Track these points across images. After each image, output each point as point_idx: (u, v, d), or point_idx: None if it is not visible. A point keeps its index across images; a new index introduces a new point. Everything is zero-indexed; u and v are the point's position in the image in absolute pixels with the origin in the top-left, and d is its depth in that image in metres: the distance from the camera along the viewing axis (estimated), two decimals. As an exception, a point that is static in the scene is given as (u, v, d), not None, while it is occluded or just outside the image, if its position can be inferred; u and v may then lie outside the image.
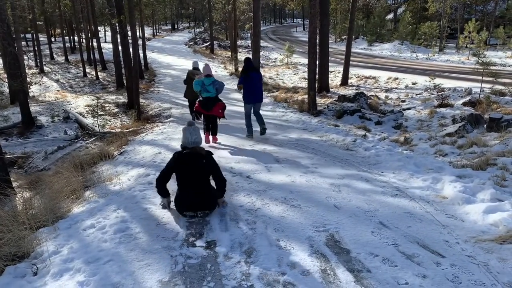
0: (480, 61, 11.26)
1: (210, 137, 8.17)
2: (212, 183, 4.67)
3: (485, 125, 8.40)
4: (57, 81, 27.80)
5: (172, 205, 4.65)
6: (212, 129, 8.12)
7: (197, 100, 8.21)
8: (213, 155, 4.71)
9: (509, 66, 21.65)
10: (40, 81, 25.47)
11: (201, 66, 10.71)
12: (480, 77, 11.51)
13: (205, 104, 7.94)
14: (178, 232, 4.06)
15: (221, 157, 6.84)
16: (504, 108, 10.16)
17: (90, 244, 3.87)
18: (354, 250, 3.58)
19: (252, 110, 8.52)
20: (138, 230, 4.12)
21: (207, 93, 7.95)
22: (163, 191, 4.62)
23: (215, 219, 4.34)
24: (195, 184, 4.46)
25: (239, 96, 11.86)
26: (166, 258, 3.56)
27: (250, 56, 21.71)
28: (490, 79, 11.46)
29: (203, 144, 6.28)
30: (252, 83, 8.35)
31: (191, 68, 11.27)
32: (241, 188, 5.31)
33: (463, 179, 5.29)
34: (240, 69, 23.71)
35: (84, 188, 5.75)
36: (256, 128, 8.67)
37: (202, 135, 6.41)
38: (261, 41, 24.22)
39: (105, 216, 4.52)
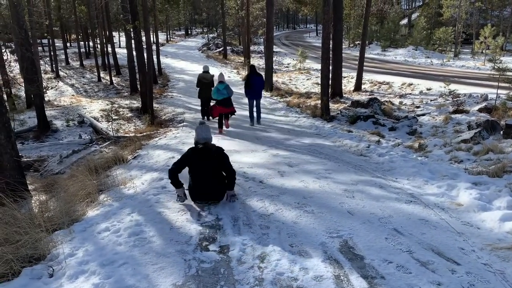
0: (496, 67, 11.13)
1: (224, 128, 10.18)
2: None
3: (501, 132, 8.28)
4: (72, 85, 28.23)
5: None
6: (225, 118, 10.28)
7: (215, 104, 10.20)
8: (224, 150, 5.14)
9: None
10: (56, 85, 25.90)
11: (212, 70, 11.45)
12: (496, 83, 11.37)
13: (224, 103, 9.99)
14: (192, 236, 4.08)
15: (234, 161, 6.80)
16: (521, 115, 10.01)
17: (105, 247, 3.91)
18: (368, 257, 3.56)
19: (254, 105, 10.88)
20: (152, 234, 4.15)
21: (222, 95, 9.96)
22: (176, 183, 4.96)
23: (228, 224, 4.36)
24: (205, 177, 4.89)
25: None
26: (180, 262, 3.58)
27: (263, 61, 21.89)
28: (507, 85, 11.31)
29: (217, 136, 9.19)
30: (253, 85, 10.72)
31: (201, 71, 11.96)
32: (254, 193, 5.31)
33: (478, 186, 5.22)
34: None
35: (98, 192, 5.81)
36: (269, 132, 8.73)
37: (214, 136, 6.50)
38: (274, 46, 24.28)
39: (119, 220, 4.57)
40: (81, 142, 11.27)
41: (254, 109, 10.94)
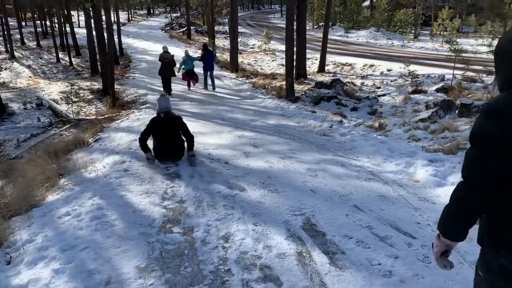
0: (452, 48, 11.49)
1: (191, 86, 13.98)
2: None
3: (456, 111, 8.61)
4: (29, 67, 26.96)
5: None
6: (190, 82, 13.89)
7: (184, 73, 13.62)
8: (182, 118, 6.13)
9: (480, 53, 22.08)
10: (10, 66, 24.70)
11: (176, 51, 13.21)
12: (452, 64, 11.76)
13: (189, 73, 13.60)
14: (155, 218, 4.06)
15: (199, 143, 6.82)
16: (475, 94, 10.43)
17: (65, 232, 3.83)
18: (329, 233, 3.66)
19: (208, 75, 13.75)
20: (114, 217, 4.09)
21: (188, 66, 13.46)
22: (145, 147, 5.92)
23: (192, 205, 4.35)
24: (168, 139, 5.83)
25: (216, 82, 14.42)
26: (143, 244, 3.56)
27: (228, 41, 21.71)
28: (462, 65, 11.72)
29: (186, 90, 13.70)
30: (207, 61, 13.50)
31: (161, 51, 13.05)
32: (219, 174, 5.33)
33: (434, 163, 5.44)
34: (217, 54, 23.63)
35: (58, 176, 5.65)
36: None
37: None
38: (239, 27, 23.98)
39: (80, 204, 4.47)
40: (40, 126, 10.86)
41: (209, 80, 13.85)
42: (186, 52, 14.25)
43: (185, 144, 6.06)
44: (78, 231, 3.84)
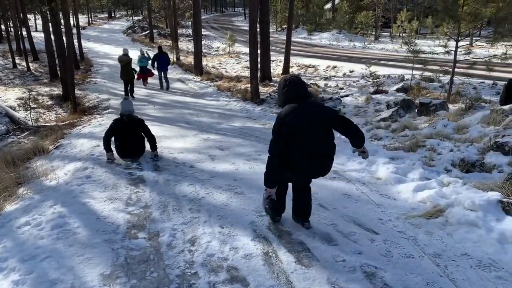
0: (411, 49, 11.90)
1: (147, 83, 14.80)
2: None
3: (416, 110, 8.92)
4: (-18, 73, 25.82)
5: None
6: (144, 80, 14.62)
7: (138, 72, 13.84)
8: (144, 121, 6.42)
9: (437, 54, 22.94)
10: (-37, 73, 23.56)
11: (135, 53, 14.69)
12: (411, 64, 12.17)
13: (143, 70, 14.26)
14: (119, 225, 3.98)
15: (164, 147, 6.76)
16: (432, 93, 10.85)
17: (25, 242, 3.70)
18: (295, 232, 3.71)
19: (162, 75, 14.27)
20: (77, 225, 3.99)
21: (142, 63, 14.14)
22: (107, 148, 6.10)
23: (157, 210, 4.30)
24: (129, 141, 6.13)
25: (180, 85, 14.92)
26: (108, 251, 3.49)
27: (192, 44, 21.55)
28: (420, 66, 12.16)
29: (150, 94, 13.47)
30: (160, 62, 13.93)
31: (121, 54, 12.95)
32: (185, 178, 5.29)
33: (395, 161, 5.61)
34: (181, 57, 23.49)
35: (17, 185, 5.45)
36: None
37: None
38: (203, 29, 23.92)
39: (41, 213, 4.33)
40: (-4, 134, 10.41)
41: (163, 80, 14.42)
42: (141, 50, 14.96)
43: (146, 144, 6.36)
44: (39, 240, 3.72)
